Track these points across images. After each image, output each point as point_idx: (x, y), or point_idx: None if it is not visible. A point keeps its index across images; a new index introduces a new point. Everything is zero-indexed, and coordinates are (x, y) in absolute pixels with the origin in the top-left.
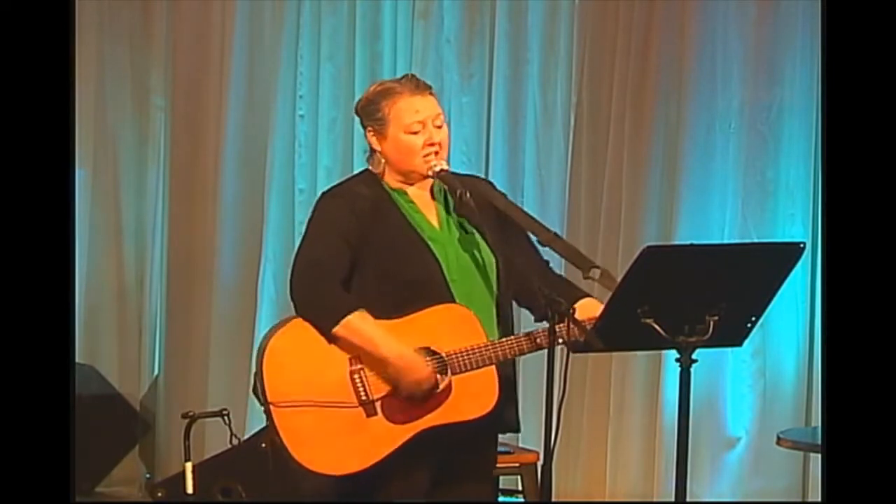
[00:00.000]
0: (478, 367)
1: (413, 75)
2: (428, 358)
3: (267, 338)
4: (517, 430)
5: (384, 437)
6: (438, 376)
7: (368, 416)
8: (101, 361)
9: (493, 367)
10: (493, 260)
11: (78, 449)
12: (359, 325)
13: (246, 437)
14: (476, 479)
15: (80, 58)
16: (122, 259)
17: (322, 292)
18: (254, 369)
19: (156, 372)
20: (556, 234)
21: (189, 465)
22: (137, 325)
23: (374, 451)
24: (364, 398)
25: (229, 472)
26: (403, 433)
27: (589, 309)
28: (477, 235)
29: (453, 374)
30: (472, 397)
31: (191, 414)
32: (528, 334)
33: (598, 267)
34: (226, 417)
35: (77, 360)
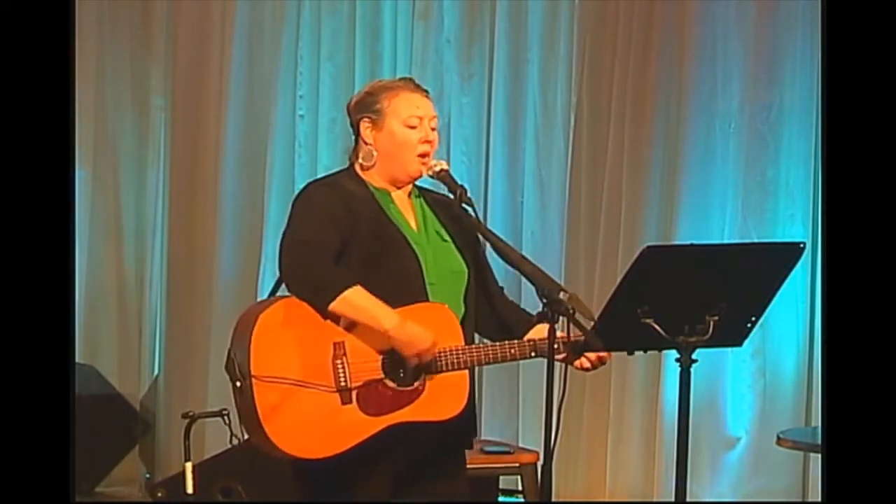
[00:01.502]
0: (454, 369)
1: (411, 78)
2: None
3: (253, 313)
4: (470, 445)
5: (354, 427)
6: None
7: (343, 403)
8: (101, 361)
9: (467, 371)
10: (466, 270)
11: (78, 449)
12: (357, 299)
13: (246, 436)
14: (448, 480)
15: (80, 58)
16: (122, 259)
17: (316, 269)
18: (228, 345)
19: (156, 372)
20: (523, 256)
21: (189, 465)
22: (137, 325)
23: (342, 440)
24: (343, 385)
25: (229, 472)
26: (373, 425)
27: (543, 333)
28: (452, 245)
29: (429, 373)
30: (443, 399)
31: (191, 414)
32: (507, 343)
33: (565, 291)
34: (226, 417)
35: (77, 360)
